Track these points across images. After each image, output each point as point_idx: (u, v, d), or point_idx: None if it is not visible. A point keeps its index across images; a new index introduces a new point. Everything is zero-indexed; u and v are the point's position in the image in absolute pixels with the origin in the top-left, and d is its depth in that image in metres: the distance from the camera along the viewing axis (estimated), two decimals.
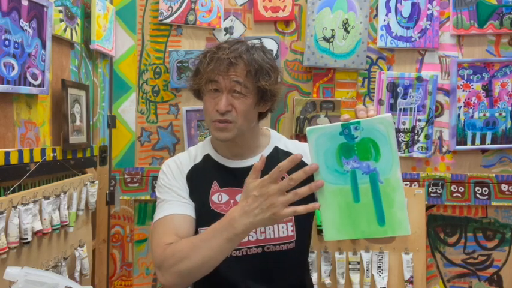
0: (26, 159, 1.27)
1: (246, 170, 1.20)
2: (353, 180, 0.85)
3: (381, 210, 0.84)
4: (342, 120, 0.86)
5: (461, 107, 1.90)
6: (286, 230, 1.17)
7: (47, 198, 1.31)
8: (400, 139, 1.91)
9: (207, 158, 1.24)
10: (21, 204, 1.20)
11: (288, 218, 0.94)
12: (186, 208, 1.17)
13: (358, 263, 1.85)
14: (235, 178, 1.20)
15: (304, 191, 0.88)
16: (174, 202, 1.17)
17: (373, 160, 0.83)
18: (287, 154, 1.24)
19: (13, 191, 1.21)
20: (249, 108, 1.15)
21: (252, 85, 1.14)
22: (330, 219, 0.87)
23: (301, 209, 0.89)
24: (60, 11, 1.46)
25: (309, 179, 1.23)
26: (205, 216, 1.18)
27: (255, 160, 1.22)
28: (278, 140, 1.28)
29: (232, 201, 1.18)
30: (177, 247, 1.03)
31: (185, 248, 1.01)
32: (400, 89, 1.90)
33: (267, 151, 1.24)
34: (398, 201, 0.83)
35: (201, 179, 1.21)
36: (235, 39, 1.24)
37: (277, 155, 1.24)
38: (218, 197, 1.19)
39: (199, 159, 1.25)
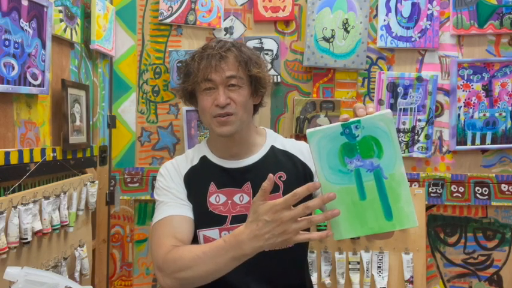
0: (26, 159, 1.27)
1: (243, 170, 1.21)
2: (358, 179, 0.86)
3: (387, 205, 0.85)
4: (341, 120, 0.86)
5: (461, 107, 1.90)
6: None
7: (47, 198, 1.31)
8: (400, 139, 1.91)
9: (203, 159, 1.25)
10: (21, 204, 1.20)
11: None
12: (184, 209, 1.17)
13: (358, 263, 1.85)
14: (232, 179, 1.20)
15: (315, 203, 0.86)
16: (172, 204, 1.18)
17: (377, 157, 0.84)
18: (284, 153, 1.25)
19: (13, 191, 1.21)
20: (246, 99, 1.17)
21: (245, 75, 1.17)
22: (338, 218, 0.88)
23: (315, 236, 0.89)
24: (60, 11, 1.46)
25: (306, 182, 1.24)
26: (203, 217, 1.19)
27: (251, 160, 1.22)
28: (274, 139, 1.28)
29: (229, 201, 1.18)
30: (179, 254, 1.04)
31: (187, 257, 1.01)
32: (400, 89, 1.90)
33: (263, 150, 1.24)
34: (404, 194, 0.84)
35: (198, 181, 1.21)
36: (218, 38, 1.26)
37: (274, 154, 1.24)
38: (216, 198, 1.19)
39: (196, 161, 1.25)
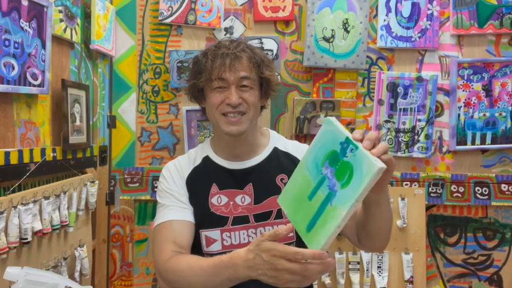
0: (26, 159, 1.27)
1: (246, 172, 1.21)
2: (319, 184, 0.87)
3: (315, 221, 0.85)
4: (354, 134, 0.83)
5: (461, 107, 1.90)
6: None
7: (47, 198, 1.31)
8: (400, 139, 1.91)
9: (206, 159, 1.25)
10: (21, 204, 1.20)
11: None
12: (185, 213, 1.18)
13: (358, 263, 1.85)
14: (234, 180, 1.20)
15: (315, 268, 0.83)
16: (173, 207, 1.18)
17: (341, 184, 0.82)
18: (286, 155, 1.25)
19: (13, 191, 1.21)
20: (257, 100, 1.19)
21: (257, 77, 1.17)
22: (290, 189, 0.94)
23: None
24: (60, 11, 1.46)
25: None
26: (205, 218, 1.19)
27: (254, 161, 1.22)
28: (277, 140, 1.28)
29: (231, 203, 1.18)
30: (177, 265, 1.05)
31: (185, 270, 1.02)
32: (400, 89, 1.90)
33: (266, 152, 1.24)
34: (328, 229, 0.82)
35: (201, 182, 1.21)
36: (229, 38, 1.27)
37: (277, 156, 1.24)
38: (217, 199, 1.19)
39: (198, 161, 1.25)
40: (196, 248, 1.18)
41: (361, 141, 0.82)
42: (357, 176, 0.80)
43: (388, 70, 1.92)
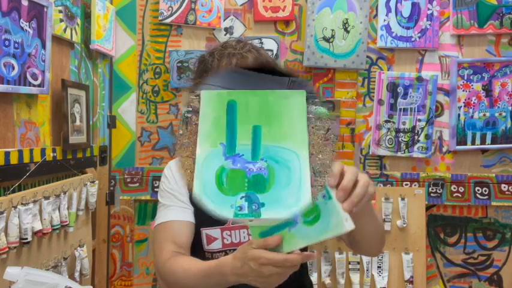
0: (26, 159, 1.27)
1: None
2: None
3: (270, 233, 0.83)
4: (329, 180, 0.79)
5: (461, 107, 1.90)
6: None
7: (47, 198, 1.31)
8: (400, 139, 1.91)
9: None
10: (21, 204, 1.20)
11: None
12: (185, 214, 1.18)
13: (358, 263, 1.85)
14: None
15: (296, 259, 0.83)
16: (174, 207, 1.19)
17: (303, 220, 0.80)
18: None
19: (13, 191, 1.21)
20: None
21: None
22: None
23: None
24: (60, 11, 1.46)
25: None
26: (205, 217, 1.18)
27: None
28: None
29: None
30: (175, 268, 1.06)
31: (180, 273, 1.03)
32: (400, 89, 1.90)
33: None
34: (279, 249, 0.82)
35: None
36: (235, 38, 1.27)
37: None
38: None
39: None
40: (197, 246, 1.19)
41: (336, 186, 0.79)
42: (322, 224, 0.78)
43: (388, 70, 1.92)
